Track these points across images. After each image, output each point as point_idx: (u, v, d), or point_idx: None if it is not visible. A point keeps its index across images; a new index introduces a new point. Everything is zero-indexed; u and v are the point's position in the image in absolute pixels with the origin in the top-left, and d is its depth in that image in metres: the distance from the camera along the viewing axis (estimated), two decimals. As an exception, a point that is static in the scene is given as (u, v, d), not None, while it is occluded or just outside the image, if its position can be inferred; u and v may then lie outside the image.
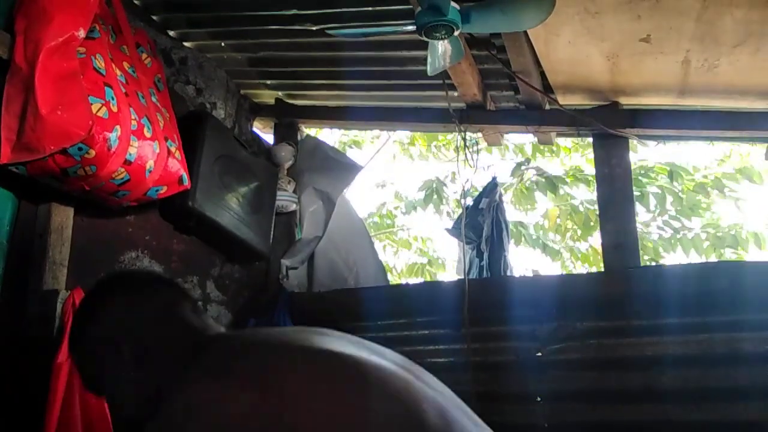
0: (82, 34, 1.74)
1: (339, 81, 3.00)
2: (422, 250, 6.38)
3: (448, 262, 6.08)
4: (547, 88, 2.70)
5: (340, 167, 3.25)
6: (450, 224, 3.91)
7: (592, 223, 5.04)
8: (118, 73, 1.90)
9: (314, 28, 2.51)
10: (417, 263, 6.05)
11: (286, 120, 3.27)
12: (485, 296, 2.56)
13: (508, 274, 3.14)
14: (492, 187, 3.29)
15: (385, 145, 6.09)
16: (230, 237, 2.56)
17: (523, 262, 5.24)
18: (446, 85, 2.67)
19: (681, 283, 2.34)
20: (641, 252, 3.40)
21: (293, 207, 3.12)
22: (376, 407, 0.95)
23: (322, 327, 1.16)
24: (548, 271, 5.53)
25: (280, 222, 3.04)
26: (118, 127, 1.78)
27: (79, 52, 1.75)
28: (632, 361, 2.29)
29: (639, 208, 4.79)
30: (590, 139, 2.94)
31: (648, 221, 5.24)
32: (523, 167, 5.14)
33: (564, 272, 5.37)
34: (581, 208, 5.20)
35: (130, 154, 1.84)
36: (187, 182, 2.14)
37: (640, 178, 4.90)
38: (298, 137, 3.30)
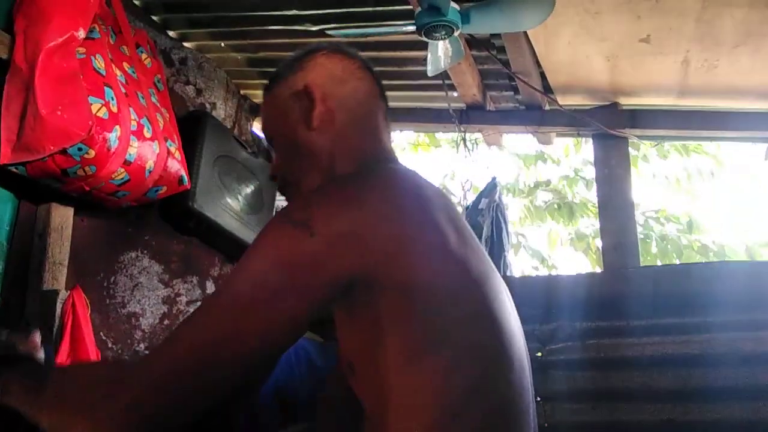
0: (81, 34, 1.74)
1: (339, 81, 2.99)
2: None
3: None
4: (547, 89, 2.70)
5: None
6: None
7: (594, 255, 5.04)
8: (118, 73, 1.90)
9: (314, 28, 2.51)
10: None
11: (286, 120, 3.26)
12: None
13: (508, 274, 3.14)
14: (492, 187, 3.29)
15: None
16: (230, 237, 2.56)
17: (522, 267, 5.28)
18: (446, 86, 2.67)
19: (681, 283, 2.34)
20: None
21: (293, 207, 3.11)
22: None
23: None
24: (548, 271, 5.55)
25: (280, 222, 3.04)
26: (117, 127, 1.78)
27: (78, 53, 1.75)
28: (632, 361, 2.29)
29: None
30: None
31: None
32: (540, 188, 5.14)
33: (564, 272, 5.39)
34: (589, 234, 5.20)
35: (129, 155, 1.84)
36: (186, 182, 2.15)
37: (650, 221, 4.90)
38: (298, 137, 3.30)
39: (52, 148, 1.63)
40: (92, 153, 1.72)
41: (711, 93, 2.54)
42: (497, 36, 2.43)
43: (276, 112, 1.19)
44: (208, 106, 2.78)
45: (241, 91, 3.08)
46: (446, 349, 0.89)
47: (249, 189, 2.68)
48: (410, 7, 2.16)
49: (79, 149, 1.69)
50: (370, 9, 2.35)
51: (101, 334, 2.13)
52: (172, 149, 2.06)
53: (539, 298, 2.47)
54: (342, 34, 2.33)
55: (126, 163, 1.84)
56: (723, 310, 2.22)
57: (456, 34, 2.00)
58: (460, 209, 3.32)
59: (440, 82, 2.64)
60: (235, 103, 3.00)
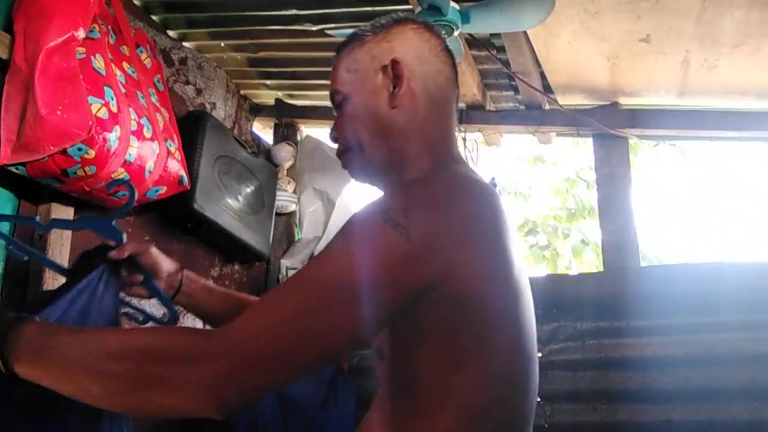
0: (81, 34, 1.73)
1: (339, 81, 2.99)
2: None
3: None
4: (547, 89, 2.70)
5: (340, 167, 3.23)
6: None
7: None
8: (118, 73, 1.90)
9: (314, 28, 2.51)
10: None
11: (286, 120, 3.27)
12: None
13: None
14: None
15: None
16: (230, 237, 2.56)
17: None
18: (446, 86, 2.67)
19: (682, 282, 2.34)
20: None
21: (293, 207, 3.12)
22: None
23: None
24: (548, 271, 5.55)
25: (280, 222, 3.04)
26: (117, 127, 1.78)
27: (78, 53, 1.75)
28: (632, 361, 2.29)
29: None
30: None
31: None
32: (562, 232, 5.19)
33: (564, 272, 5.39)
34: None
35: (129, 155, 1.84)
36: (186, 183, 2.15)
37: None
38: (298, 137, 3.30)
39: (52, 148, 1.63)
40: (92, 153, 1.72)
41: (711, 93, 2.54)
42: (497, 36, 2.43)
43: (353, 77, 1.17)
44: (208, 106, 2.78)
45: (241, 91, 3.08)
46: (487, 360, 0.95)
47: (249, 189, 2.69)
48: (410, 6, 2.16)
49: (79, 149, 1.69)
50: (370, 9, 2.36)
51: (101, 334, 2.13)
52: (172, 149, 2.06)
53: (539, 298, 2.46)
54: (342, 34, 2.33)
55: (126, 164, 1.84)
56: (723, 310, 2.22)
57: (456, 33, 2.00)
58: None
59: (440, 82, 2.64)
60: (235, 103, 3.00)
